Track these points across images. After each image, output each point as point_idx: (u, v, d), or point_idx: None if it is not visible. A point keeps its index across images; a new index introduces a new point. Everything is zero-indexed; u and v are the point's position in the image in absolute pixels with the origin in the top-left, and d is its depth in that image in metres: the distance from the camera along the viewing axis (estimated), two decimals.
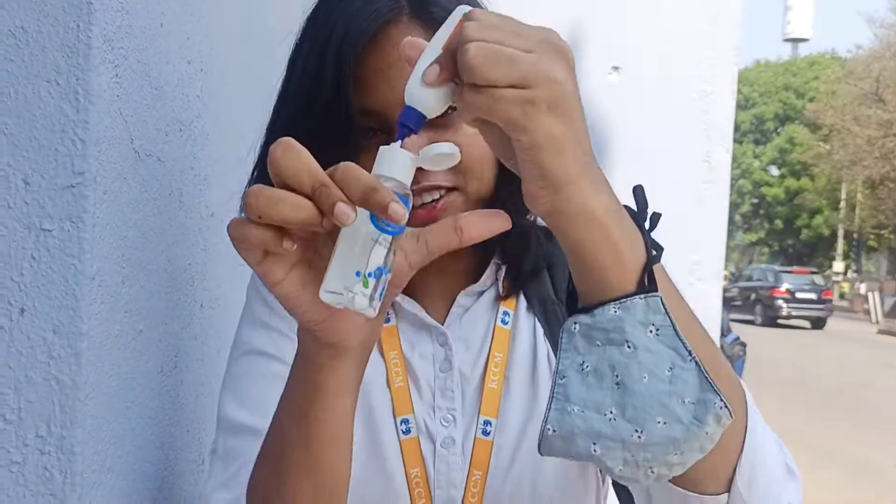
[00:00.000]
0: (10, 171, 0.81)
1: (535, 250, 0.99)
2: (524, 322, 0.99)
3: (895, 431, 8.71)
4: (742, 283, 26.40)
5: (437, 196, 0.89)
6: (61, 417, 0.83)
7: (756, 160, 44.54)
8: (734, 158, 3.03)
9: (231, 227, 0.61)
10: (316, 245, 0.64)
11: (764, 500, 0.75)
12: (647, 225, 0.70)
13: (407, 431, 0.94)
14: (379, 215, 0.60)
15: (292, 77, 0.92)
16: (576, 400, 0.67)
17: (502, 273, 1.00)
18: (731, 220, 3.14)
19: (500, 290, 1.00)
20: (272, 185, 0.92)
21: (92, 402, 0.85)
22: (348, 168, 0.60)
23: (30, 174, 0.82)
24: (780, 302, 23.93)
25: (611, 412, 0.66)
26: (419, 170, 0.85)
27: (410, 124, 0.65)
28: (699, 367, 0.66)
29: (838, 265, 37.13)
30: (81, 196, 0.82)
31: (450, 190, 0.89)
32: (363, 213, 0.61)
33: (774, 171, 43.18)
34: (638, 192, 0.73)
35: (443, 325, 0.99)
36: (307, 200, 0.59)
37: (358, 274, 0.61)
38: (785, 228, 42.56)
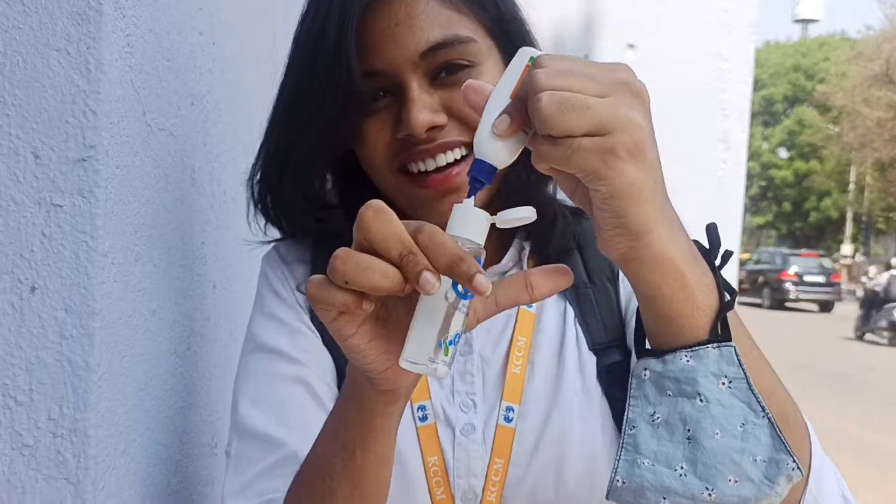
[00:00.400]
0: (19, 143, 0.78)
1: (561, 228, 0.95)
2: (552, 305, 0.95)
3: None
4: (750, 266, 26.29)
5: (451, 160, 0.86)
6: (74, 399, 0.80)
7: (765, 142, 44.30)
8: (747, 146, 2.99)
9: (313, 289, 0.60)
10: (385, 300, 0.64)
11: None
12: (717, 262, 0.69)
13: (424, 418, 0.91)
14: (464, 285, 0.59)
15: (297, 47, 0.90)
16: (646, 452, 0.66)
17: (526, 253, 0.96)
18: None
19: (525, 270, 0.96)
20: (289, 176, 0.92)
21: (105, 384, 0.83)
22: (433, 234, 0.59)
23: (40, 147, 0.78)
24: (788, 285, 23.83)
25: (682, 467, 0.65)
26: (433, 129, 0.84)
27: (482, 177, 0.64)
28: (772, 423, 0.65)
29: (847, 248, 36.97)
30: (93, 170, 0.79)
31: (469, 147, 0.86)
32: (445, 280, 0.60)
33: (783, 153, 42.97)
34: (712, 230, 0.71)
35: None
36: (394, 269, 0.58)
37: (440, 344, 0.61)
38: (793, 211, 42.39)
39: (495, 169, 0.64)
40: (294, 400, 0.90)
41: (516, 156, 0.64)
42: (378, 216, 0.59)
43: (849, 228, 38.20)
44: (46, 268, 0.79)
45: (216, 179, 1.26)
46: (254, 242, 1.03)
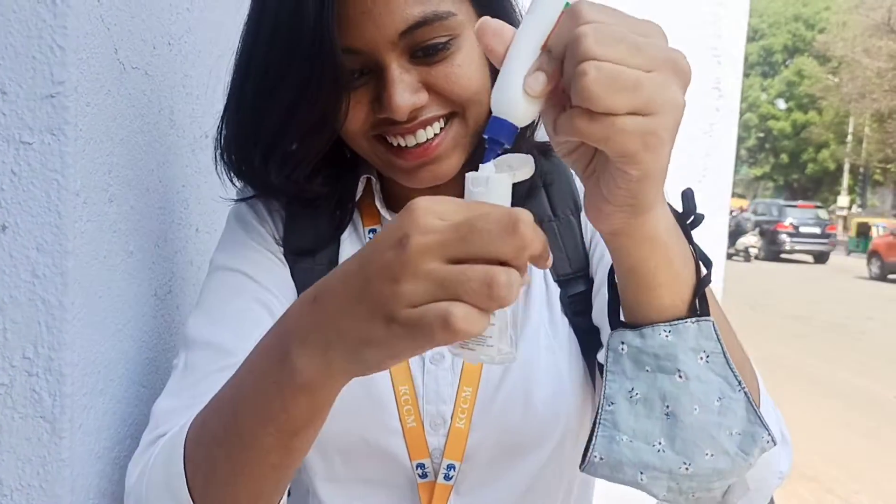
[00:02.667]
0: None
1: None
2: None
3: None
4: (746, 216, 26.34)
5: (430, 135, 0.85)
6: (48, 339, 0.80)
7: (763, 93, 43.98)
8: (741, 94, 2.96)
9: (466, 324, 0.51)
10: None
11: (760, 469, 0.73)
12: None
13: None
14: (541, 266, 0.55)
15: (264, 12, 0.84)
16: (624, 429, 0.67)
17: None
18: (736, 154, 3.07)
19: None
20: (277, 162, 0.89)
21: (80, 323, 0.82)
22: (531, 220, 0.54)
23: (6, 83, 0.77)
24: (783, 236, 23.87)
25: (659, 443, 0.66)
26: (415, 109, 0.82)
27: (503, 139, 0.58)
28: (748, 397, 0.66)
29: (843, 199, 36.93)
30: (62, 107, 0.78)
31: (448, 118, 0.85)
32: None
33: (782, 104, 42.67)
34: (688, 197, 0.70)
35: None
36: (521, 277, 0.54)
37: (512, 338, 0.60)
38: (790, 163, 42.24)
39: (517, 129, 0.59)
40: (253, 316, 0.88)
41: (538, 114, 0.59)
42: (537, 234, 0.53)
43: (846, 180, 38.12)
44: (17, 206, 0.78)
45: (197, 122, 1.24)
46: (231, 200, 1.02)
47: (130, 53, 0.93)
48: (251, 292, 0.90)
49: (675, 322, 0.65)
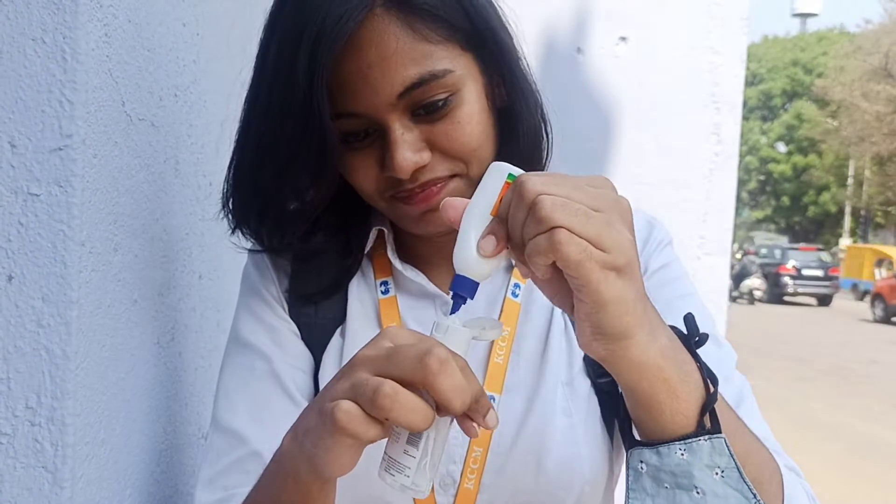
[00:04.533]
0: None
1: None
2: (540, 295, 0.95)
3: None
4: (750, 258, 26.33)
5: (438, 185, 0.86)
6: (52, 388, 0.80)
7: (763, 136, 44.25)
8: (741, 135, 2.99)
9: (344, 419, 0.62)
10: None
11: None
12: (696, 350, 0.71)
13: None
14: (478, 421, 0.65)
15: (263, 76, 0.85)
16: None
17: None
18: (737, 197, 3.09)
19: (513, 260, 0.96)
20: (271, 224, 0.92)
21: (83, 372, 0.83)
22: (467, 367, 0.64)
23: (16, 136, 0.78)
24: (786, 279, 23.85)
25: None
26: (418, 168, 0.83)
27: (465, 293, 0.67)
28: None
29: (845, 242, 36.94)
30: (70, 159, 0.79)
31: (451, 177, 0.87)
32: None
33: (782, 147, 42.90)
34: (689, 320, 0.73)
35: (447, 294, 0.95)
36: (430, 409, 0.62)
37: (429, 474, 0.65)
38: (792, 205, 42.37)
39: (478, 284, 0.67)
40: (266, 396, 0.93)
41: (497, 268, 0.67)
42: (445, 369, 0.61)
43: (847, 222, 38.18)
44: (23, 257, 0.79)
45: (201, 171, 1.26)
46: (240, 248, 1.02)
47: (137, 105, 0.95)
48: (262, 370, 0.94)
49: (689, 440, 0.67)
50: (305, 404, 0.92)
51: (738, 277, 23.57)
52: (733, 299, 20.09)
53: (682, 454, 0.67)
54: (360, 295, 0.97)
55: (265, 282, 0.98)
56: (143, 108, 0.97)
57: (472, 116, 0.84)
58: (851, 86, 31.01)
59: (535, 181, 0.62)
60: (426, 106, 0.82)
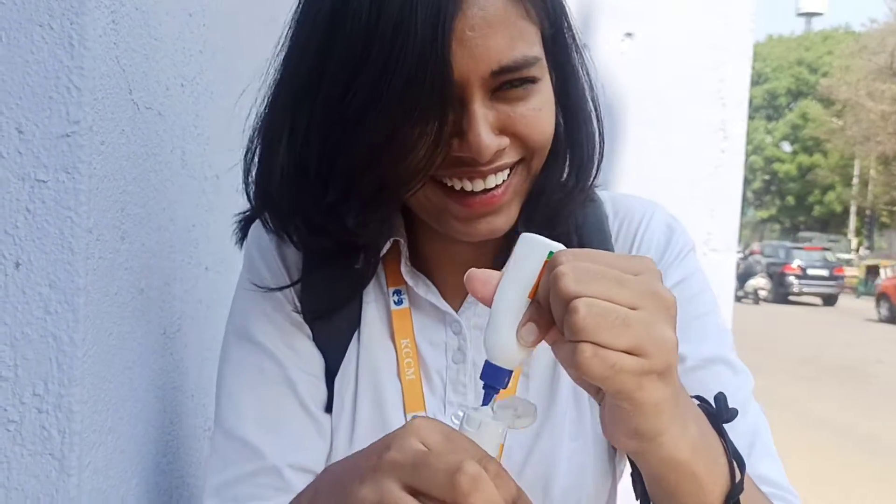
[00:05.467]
0: (2, 119, 0.78)
1: (564, 222, 0.89)
2: None
3: None
4: (755, 258, 26.29)
5: (500, 181, 0.79)
6: (59, 375, 0.80)
7: (768, 136, 44.19)
8: (746, 136, 2.98)
9: None
10: None
11: None
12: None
13: None
14: None
15: (336, 29, 0.72)
16: None
17: None
18: (742, 196, 3.07)
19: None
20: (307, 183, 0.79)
21: (91, 360, 0.83)
22: (502, 471, 0.59)
23: (23, 122, 0.78)
24: (791, 278, 23.81)
25: None
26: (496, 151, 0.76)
27: (498, 385, 0.62)
28: None
29: (850, 241, 36.86)
30: (77, 146, 0.79)
31: (518, 163, 0.81)
32: None
33: (787, 147, 42.83)
34: (720, 400, 0.70)
35: (457, 312, 0.91)
36: None
37: None
38: (797, 205, 42.30)
39: (511, 372, 0.62)
40: (277, 403, 0.88)
41: (529, 356, 0.62)
42: (478, 488, 0.56)
43: (852, 222, 38.11)
44: (30, 243, 0.79)
45: (208, 163, 1.26)
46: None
47: (144, 94, 0.95)
48: (275, 374, 0.89)
49: None
50: (320, 416, 0.89)
51: (743, 277, 23.54)
52: (738, 299, 20.08)
53: None
54: (375, 301, 0.93)
55: (274, 275, 0.92)
56: (150, 97, 0.97)
57: (549, 106, 0.80)
58: (857, 85, 30.95)
59: (569, 278, 0.57)
60: (510, 87, 0.76)
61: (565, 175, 0.86)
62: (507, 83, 0.75)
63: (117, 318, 0.90)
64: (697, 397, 0.69)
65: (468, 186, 0.78)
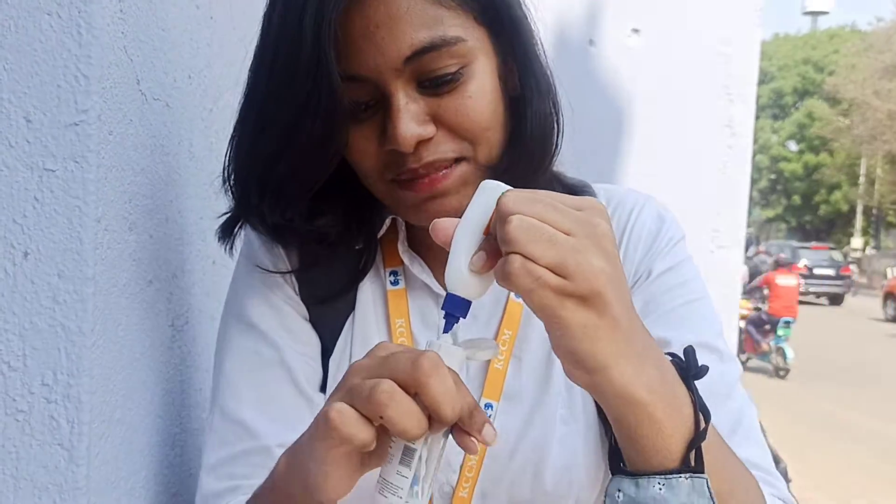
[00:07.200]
0: (10, 108, 0.78)
1: None
2: None
3: None
4: (762, 258, 26.24)
5: (441, 174, 0.81)
6: (67, 365, 0.80)
7: (774, 135, 44.10)
8: (753, 133, 2.97)
9: (337, 420, 0.62)
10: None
11: None
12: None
13: None
14: (474, 435, 0.63)
15: (268, 35, 0.81)
16: None
17: None
18: (749, 193, 3.06)
19: None
20: (271, 201, 0.84)
21: (99, 350, 0.82)
22: (447, 379, 0.62)
23: (31, 112, 0.78)
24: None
25: None
26: (422, 143, 0.79)
27: (458, 313, 0.66)
28: None
29: (857, 241, 36.75)
30: (85, 135, 0.79)
31: (457, 161, 0.82)
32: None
33: (793, 146, 42.74)
34: (689, 353, 0.70)
35: None
36: (425, 418, 0.61)
37: (419, 495, 0.64)
38: (803, 204, 42.19)
39: (470, 302, 0.66)
40: (273, 385, 0.90)
41: (490, 287, 0.65)
42: (437, 371, 0.61)
43: (859, 221, 38.00)
44: (39, 233, 0.79)
45: (215, 155, 1.25)
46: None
47: (152, 85, 0.95)
48: (270, 358, 0.91)
49: (670, 476, 0.65)
50: (315, 397, 0.91)
51: (750, 276, 23.46)
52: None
53: (660, 489, 0.65)
54: (371, 282, 0.94)
55: (273, 258, 0.93)
56: (157, 88, 0.97)
57: (483, 93, 0.80)
58: (863, 84, 30.87)
59: (511, 198, 0.61)
60: (434, 77, 0.78)
61: (520, 156, 0.85)
62: (431, 77, 0.78)
63: (126, 309, 0.89)
64: (670, 354, 0.69)
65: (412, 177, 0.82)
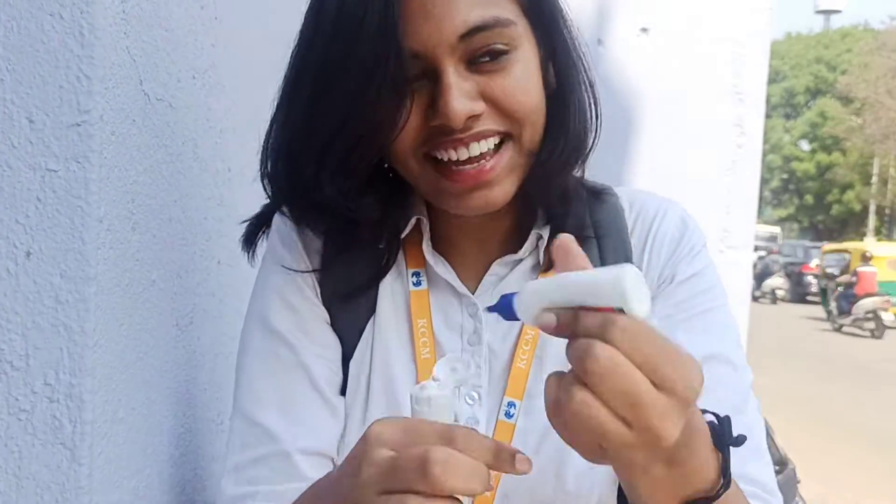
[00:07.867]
0: (13, 108, 0.78)
1: (578, 213, 0.91)
2: None
3: None
4: (773, 258, 26.12)
5: (484, 149, 0.81)
6: (70, 364, 0.80)
7: (786, 134, 43.91)
8: (763, 133, 2.95)
9: None
10: None
11: None
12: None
13: None
14: (510, 472, 0.62)
15: (322, 13, 0.80)
16: None
17: (543, 243, 0.92)
18: (759, 196, 3.05)
19: (541, 259, 0.93)
20: (301, 143, 0.84)
21: (101, 349, 0.83)
22: (469, 435, 0.61)
23: (34, 112, 0.78)
24: (809, 278, 23.61)
25: None
26: (470, 118, 0.79)
27: (502, 313, 0.66)
28: None
29: (869, 241, 36.57)
30: (87, 135, 0.79)
31: (502, 140, 0.82)
32: None
33: (805, 145, 42.55)
34: (726, 423, 0.69)
35: (473, 294, 0.92)
36: (485, 468, 0.61)
37: None
38: (815, 204, 42.00)
39: (518, 319, 0.65)
40: (293, 389, 0.90)
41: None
42: (448, 470, 0.58)
43: (872, 221, 37.77)
44: (41, 233, 0.79)
45: (220, 156, 1.26)
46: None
47: (155, 85, 0.95)
48: (288, 360, 0.90)
49: None
50: (335, 400, 0.90)
51: (761, 277, 23.40)
52: (755, 298, 20.04)
53: None
54: (392, 284, 0.94)
55: (295, 259, 0.93)
56: (160, 89, 0.97)
57: (529, 76, 0.81)
58: (876, 83, 30.70)
59: (619, 336, 0.57)
60: (485, 54, 0.79)
61: (560, 148, 0.85)
62: (482, 53, 0.78)
63: (129, 309, 0.90)
64: (705, 411, 0.69)
65: (453, 156, 0.81)
